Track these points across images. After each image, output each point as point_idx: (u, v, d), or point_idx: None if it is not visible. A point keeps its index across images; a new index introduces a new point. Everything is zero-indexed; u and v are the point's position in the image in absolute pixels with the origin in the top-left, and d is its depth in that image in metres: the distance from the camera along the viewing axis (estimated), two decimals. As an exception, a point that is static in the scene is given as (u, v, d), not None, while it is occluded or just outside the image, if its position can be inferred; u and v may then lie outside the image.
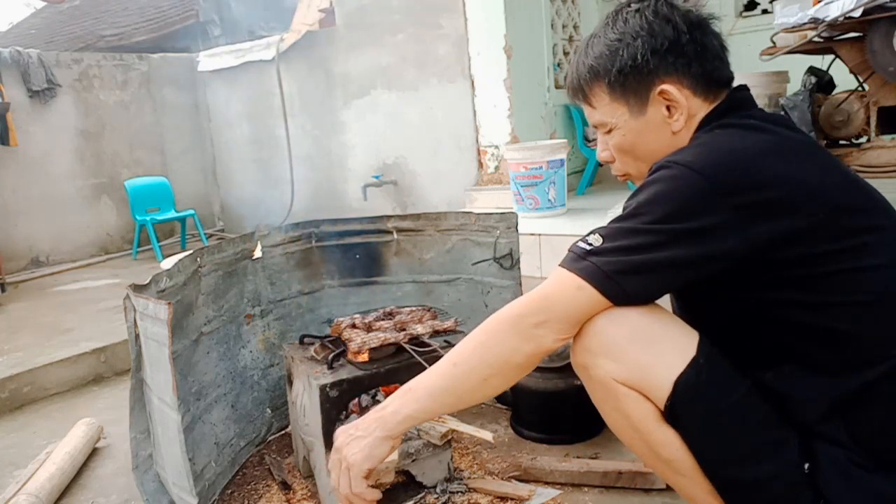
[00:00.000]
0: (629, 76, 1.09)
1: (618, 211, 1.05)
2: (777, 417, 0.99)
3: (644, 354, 1.00)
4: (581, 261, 0.99)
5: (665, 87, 1.08)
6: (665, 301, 1.10)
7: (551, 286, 1.02)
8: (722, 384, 1.00)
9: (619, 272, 0.97)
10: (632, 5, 1.11)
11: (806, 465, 0.96)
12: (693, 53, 1.07)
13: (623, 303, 0.99)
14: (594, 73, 1.13)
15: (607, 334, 1.01)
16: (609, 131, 1.16)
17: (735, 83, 1.14)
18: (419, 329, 1.68)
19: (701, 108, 1.10)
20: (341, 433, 1.15)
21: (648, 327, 1.01)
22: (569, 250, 1.03)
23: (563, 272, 1.01)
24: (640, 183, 1.14)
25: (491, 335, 1.06)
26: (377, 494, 1.15)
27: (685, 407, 0.99)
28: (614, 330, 1.01)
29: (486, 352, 1.06)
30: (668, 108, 1.09)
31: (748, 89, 1.14)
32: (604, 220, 1.06)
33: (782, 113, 3.20)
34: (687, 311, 1.12)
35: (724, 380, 1.00)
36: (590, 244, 1.00)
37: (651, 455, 1.06)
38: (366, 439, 1.10)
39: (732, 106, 1.10)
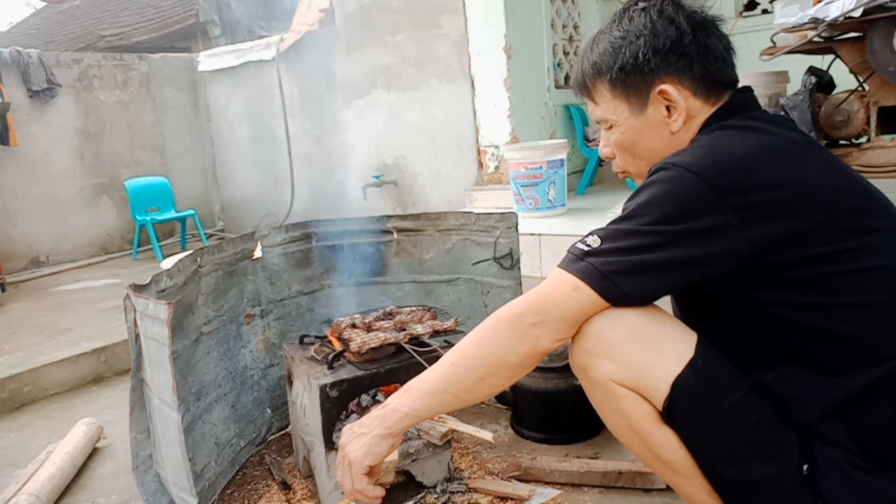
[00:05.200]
0: (630, 74, 1.09)
1: (618, 211, 1.05)
2: (777, 418, 0.99)
3: (642, 356, 1.00)
4: (578, 261, 1.00)
5: (664, 87, 1.08)
6: (665, 302, 1.10)
7: (549, 287, 1.02)
8: (720, 385, 0.99)
9: (617, 273, 0.97)
10: (639, 4, 1.12)
11: (805, 466, 0.96)
12: (695, 54, 1.07)
13: (620, 304, 0.99)
14: (597, 70, 1.14)
15: (605, 335, 1.01)
16: (610, 128, 1.17)
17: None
18: (419, 329, 1.68)
19: (702, 110, 1.10)
20: (346, 431, 1.17)
21: (647, 328, 1.01)
22: (567, 251, 1.04)
23: (560, 273, 1.01)
24: (639, 181, 1.16)
25: (488, 335, 1.06)
26: (380, 492, 1.17)
27: (683, 408, 0.99)
28: (612, 331, 1.01)
29: (483, 351, 1.06)
30: (667, 108, 1.10)
31: (752, 91, 1.14)
32: (604, 220, 1.06)
33: (783, 113, 3.21)
34: (687, 312, 1.12)
35: (723, 381, 1.00)
36: (588, 245, 1.00)
37: (650, 456, 1.06)
38: (366, 436, 1.12)
39: (734, 108, 1.10)
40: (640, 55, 1.08)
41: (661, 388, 0.99)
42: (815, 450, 0.97)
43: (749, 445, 0.98)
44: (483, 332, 1.07)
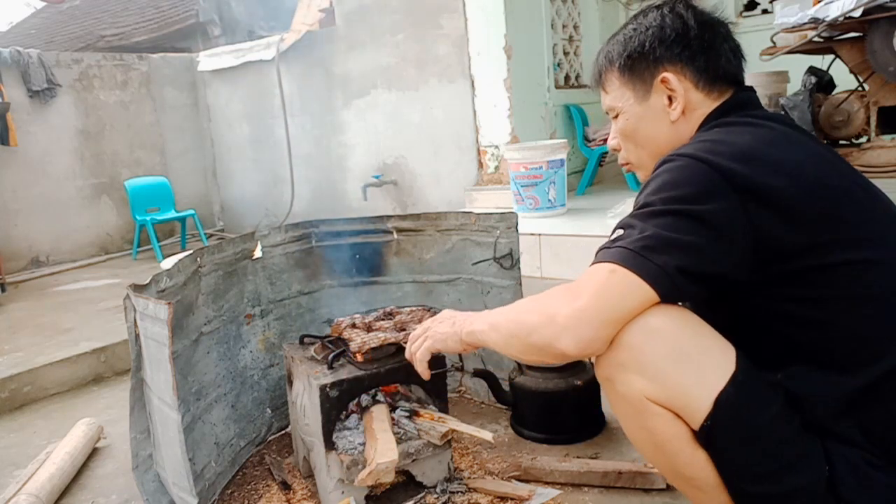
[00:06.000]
0: (636, 61, 1.16)
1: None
2: (803, 427, 0.97)
3: (682, 375, 0.97)
4: (609, 250, 0.99)
5: (666, 75, 1.12)
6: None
7: (586, 277, 0.99)
8: (760, 400, 0.97)
9: (648, 248, 0.94)
10: (656, 2, 1.18)
11: (826, 468, 0.95)
12: (698, 48, 1.12)
13: (658, 282, 0.94)
14: (609, 59, 1.21)
15: (642, 350, 0.98)
16: (616, 117, 1.22)
17: None
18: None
19: (703, 104, 1.13)
20: (446, 312, 1.33)
21: (686, 343, 0.98)
22: (597, 252, 1.03)
23: (595, 265, 0.99)
24: (640, 172, 1.22)
25: (530, 305, 1.09)
26: (429, 375, 1.35)
27: (724, 425, 0.96)
28: (651, 347, 0.97)
29: (518, 316, 1.09)
30: (669, 98, 1.14)
31: (754, 91, 1.17)
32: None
33: (782, 113, 3.21)
34: (696, 313, 1.12)
35: (761, 394, 0.98)
36: (613, 237, 1.01)
37: (671, 471, 1.06)
38: (450, 331, 1.25)
39: (735, 106, 1.12)
40: (647, 44, 1.14)
41: (702, 407, 0.96)
42: (831, 450, 0.96)
43: (784, 459, 0.96)
44: (528, 301, 1.11)
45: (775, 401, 0.97)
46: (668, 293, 0.95)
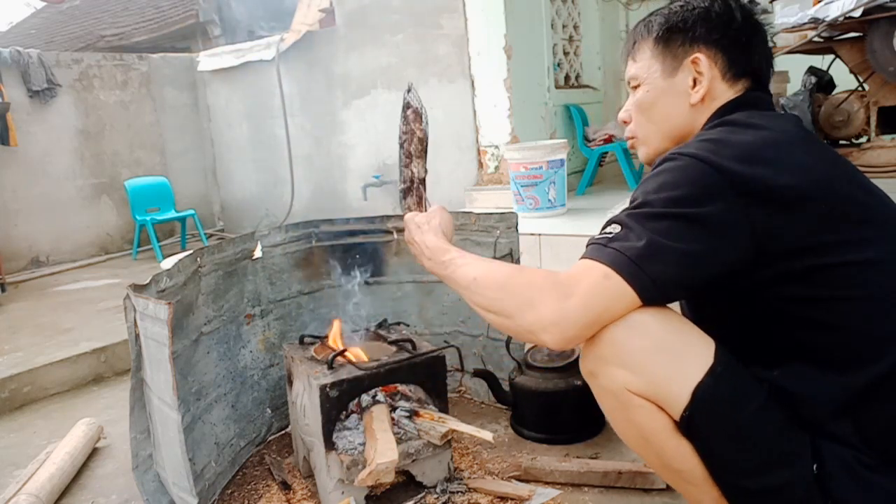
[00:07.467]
0: (675, 34, 1.15)
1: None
2: (790, 423, 0.98)
3: (661, 365, 0.99)
4: (604, 249, 0.98)
5: (699, 55, 1.12)
6: (674, 306, 1.09)
7: (576, 275, 0.98)
8: (740, 393, 0.98)
9: (642, 257, 0.94)
10: None
11: (814, 466, 0.95)
12: (736, 39, 1.12)
13: (649, 295, 0.96)
14: (648, 28, 1.20)
15: (624, 345, 0.99)
16: (636, 87, 1.22)
17: None
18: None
19: (723, 95, 1.14)
20: (424, 221, 1.33)
21: (666, 337, 0.99)
22: (588, 245, 1.02)
23: (587, 262, 0.99)
24: (643, 149, 1.22)
25: (513, 284, 1.05)
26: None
27: (703, 417, 0.97)
28: (632, 341, 0.99)
29: (500, 295, 1.06)
30: (694, 80, 1.14)
31: (769, 93, 1.18)
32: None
33: (783, 113, 3.21)
34: (697, 311, 1.12)
35: (743, 388, 0.99)
36: (609, 234, 1.00)
37: (660, 465, 1.06)
38: (427, 254, 1.28)
39: (745, 102, 1.12)
40: (690, 21, 1.14)
41: (681, 397, 0.97)
42: (823, 449, 0.96)
43: (768, 454, 0.97)
44: (513, 280, 1.06)
45: (758, 395, 0.98)
46: (654, 300, 0.98)
